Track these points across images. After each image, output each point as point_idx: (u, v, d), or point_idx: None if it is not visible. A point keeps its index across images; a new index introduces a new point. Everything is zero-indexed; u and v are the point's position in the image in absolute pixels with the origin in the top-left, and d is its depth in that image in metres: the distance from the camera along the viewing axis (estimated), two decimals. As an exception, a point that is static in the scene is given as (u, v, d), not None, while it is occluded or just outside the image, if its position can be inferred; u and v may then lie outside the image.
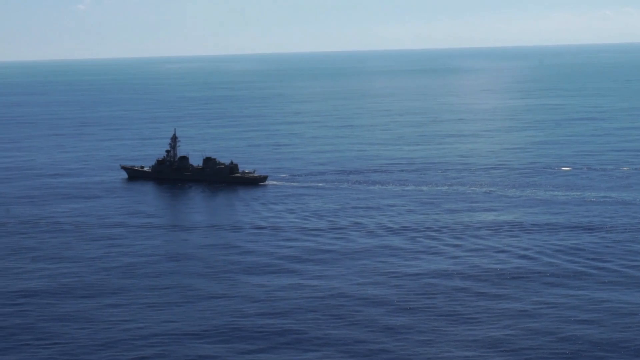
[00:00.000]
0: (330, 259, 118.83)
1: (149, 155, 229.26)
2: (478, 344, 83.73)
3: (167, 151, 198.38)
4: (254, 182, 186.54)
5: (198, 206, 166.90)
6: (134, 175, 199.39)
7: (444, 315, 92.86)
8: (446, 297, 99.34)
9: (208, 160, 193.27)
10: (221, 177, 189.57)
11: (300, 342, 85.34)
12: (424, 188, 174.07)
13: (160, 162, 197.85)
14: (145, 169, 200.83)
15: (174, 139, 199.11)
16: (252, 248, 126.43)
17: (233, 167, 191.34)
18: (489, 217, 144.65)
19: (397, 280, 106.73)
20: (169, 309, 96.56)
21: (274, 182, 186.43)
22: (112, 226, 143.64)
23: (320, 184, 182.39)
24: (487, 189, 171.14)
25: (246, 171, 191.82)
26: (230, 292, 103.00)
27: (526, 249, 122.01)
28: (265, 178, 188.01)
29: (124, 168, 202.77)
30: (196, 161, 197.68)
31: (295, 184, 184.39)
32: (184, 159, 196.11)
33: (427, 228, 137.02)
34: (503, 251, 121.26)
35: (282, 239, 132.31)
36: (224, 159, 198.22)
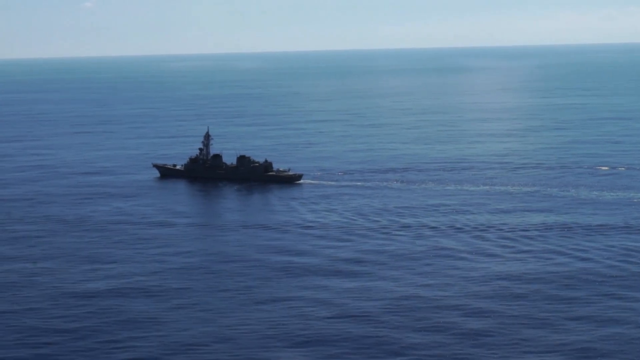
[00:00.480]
0: (389, 260, 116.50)
1: (178, 154, 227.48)
2: (568, 348, 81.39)
3: (200, 149, 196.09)
4: (289, 180, 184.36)
5: (238, 205, 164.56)
6: (166, 173, 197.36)
7: (524, 317, 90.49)
8: (520, 299, 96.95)
9: (242, 159, 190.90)
10: (256, 176, 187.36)
11: (381, 345, 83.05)
12: (466, 187, 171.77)
13: (193, 161, 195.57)
14: (178, 167, 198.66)
15: (207, 136, 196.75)
16: (305, 249, 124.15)
17: (267, 166, 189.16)
18: (538, 217, 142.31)
19: (465, 282, 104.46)
20: (239, 311, 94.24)
21: (310, 181, 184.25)
22: (158, 225, 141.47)
23: (357, 183, 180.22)
24: (531, 189, 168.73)
25: (281, 169, 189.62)
26: (297, 294, 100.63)
27: (584, 251, 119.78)
28: (300, 177, 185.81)
29: (156, 166, 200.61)
30: (228, 159, 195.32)
31: (332, 182, 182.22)
32: (217, 157, 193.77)
33: (476, 228, 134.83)
34: (562, 253, 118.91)
35: (333, 239, 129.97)
36: (256, 157, 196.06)
